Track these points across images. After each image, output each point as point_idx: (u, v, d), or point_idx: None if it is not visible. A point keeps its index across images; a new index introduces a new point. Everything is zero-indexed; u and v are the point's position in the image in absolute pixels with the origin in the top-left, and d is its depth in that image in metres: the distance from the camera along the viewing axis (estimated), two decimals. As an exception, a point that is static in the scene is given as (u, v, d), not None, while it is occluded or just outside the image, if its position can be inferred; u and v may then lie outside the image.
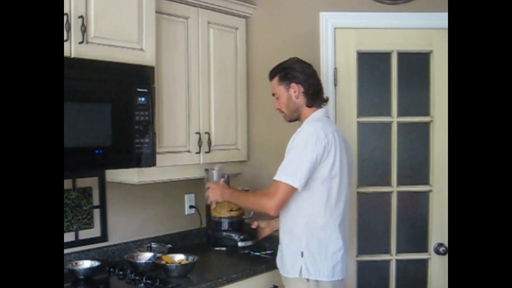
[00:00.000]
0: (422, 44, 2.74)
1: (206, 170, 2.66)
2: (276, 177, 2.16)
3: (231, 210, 2.49)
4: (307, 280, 2.19)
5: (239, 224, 2.54)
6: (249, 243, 2.58)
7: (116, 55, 2.21)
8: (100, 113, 2.17)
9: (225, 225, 2.55)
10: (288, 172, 2.13)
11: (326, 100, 2.38)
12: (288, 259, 2.25)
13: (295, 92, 2.30)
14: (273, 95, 2.38)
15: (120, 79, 2.25)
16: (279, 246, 2.33)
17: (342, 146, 2.23)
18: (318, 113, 2.31)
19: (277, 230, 2.39)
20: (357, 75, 2.74)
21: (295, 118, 2.36)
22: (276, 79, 2.34)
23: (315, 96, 2.31)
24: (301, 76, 2.29)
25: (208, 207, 2.57)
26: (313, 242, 2.19)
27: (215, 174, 2.60)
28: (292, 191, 2.15)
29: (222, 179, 2.57)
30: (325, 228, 2.19)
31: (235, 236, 2.55)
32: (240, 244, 2.53)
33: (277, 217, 2.34)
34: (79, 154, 2.10)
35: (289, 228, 2.25)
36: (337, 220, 2.21)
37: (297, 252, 2.21)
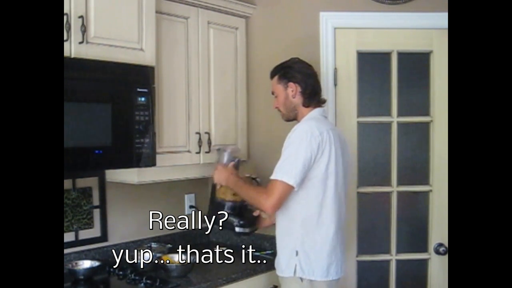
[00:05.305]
0: (422, 44, 2.74)
1: (219, 149, 2.64)
2: (272, 176, 2.17)
3: (234, 194, 2.48)
4: (301, 279, 2.19)
5: (241, 209, 2.52)
6: (246, 230, 2.56)
7: (116, 55, 2.21)
8: (100, 113, 2.17)
9: (227, 208, 2.53)
10: (283, 170, 2.14)
11: (323, 102, 2.38)
12: (283, 258, 2.25)
13: (292, 91, 2.31)
14: (273, 93, 2.40)
15: (120, 79, 2.24)
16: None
17: (337, 145, 2.23)
18: (315, 112, 2.31)
19: None
20: (357, 75, 2.74)
21: (293, 117, 2.37)
22: (275, 78, 2.36)
23: (312, 96, 2.31)
24: (299, 76, 2.30)
25: (213, 185, 2.56)
26: (308, 241, 2.19)
27: (225, 156, 2.55)
28: (288, 190, 2.14)
29: (232, 163, 2.51)
30: (321, 227, 2.19)
31: (234, 220, 2.53)
32: (237, 229, 2.51)
33: None
34: (79, 154, 2.10)
35: (285, 227, 2.25)
36: (333, 219, 2.21)
37: (292, 251, 2.21)
